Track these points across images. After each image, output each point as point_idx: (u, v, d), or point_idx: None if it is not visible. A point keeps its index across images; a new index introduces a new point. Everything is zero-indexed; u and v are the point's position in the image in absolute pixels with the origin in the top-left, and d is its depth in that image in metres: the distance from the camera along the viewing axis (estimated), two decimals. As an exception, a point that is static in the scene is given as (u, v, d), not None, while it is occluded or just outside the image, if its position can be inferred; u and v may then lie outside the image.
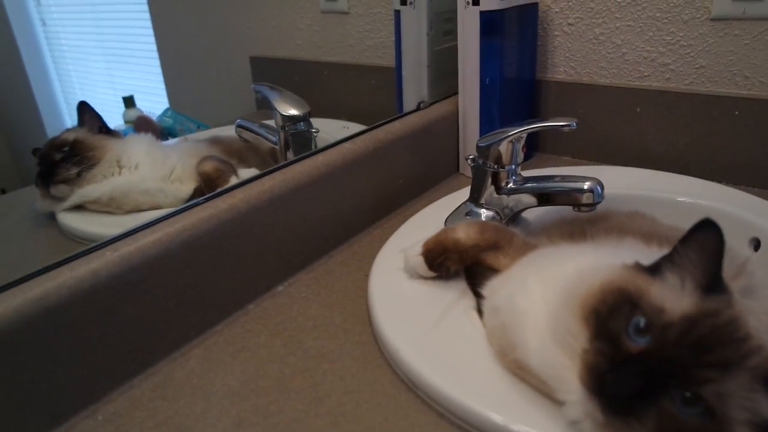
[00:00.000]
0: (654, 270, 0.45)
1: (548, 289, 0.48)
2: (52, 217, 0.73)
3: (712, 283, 0.43)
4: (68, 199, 0.73)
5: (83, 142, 0.76)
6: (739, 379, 0.38)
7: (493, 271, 0.61)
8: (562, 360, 0.44)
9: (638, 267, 0.46)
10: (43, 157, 0.74)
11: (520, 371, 0.50)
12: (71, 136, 0.76)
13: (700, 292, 0.42)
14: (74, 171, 0.74)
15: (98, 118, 0.80)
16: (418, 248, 0.65)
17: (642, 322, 0.41)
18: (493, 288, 0.57)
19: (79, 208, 0.74)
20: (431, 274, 0.65)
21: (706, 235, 0.43)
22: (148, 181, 0.76)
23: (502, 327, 0.51)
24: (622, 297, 0.43)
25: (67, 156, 0.74)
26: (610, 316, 0.42)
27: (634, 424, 0.39)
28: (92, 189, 0.74)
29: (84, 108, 0.80)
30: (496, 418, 0.47)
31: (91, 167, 0.75)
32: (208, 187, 0.77)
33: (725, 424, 0.37)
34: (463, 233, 0.63)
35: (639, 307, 0.42)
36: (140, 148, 0.80)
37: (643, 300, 0.43)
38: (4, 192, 0.80)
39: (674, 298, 0.42)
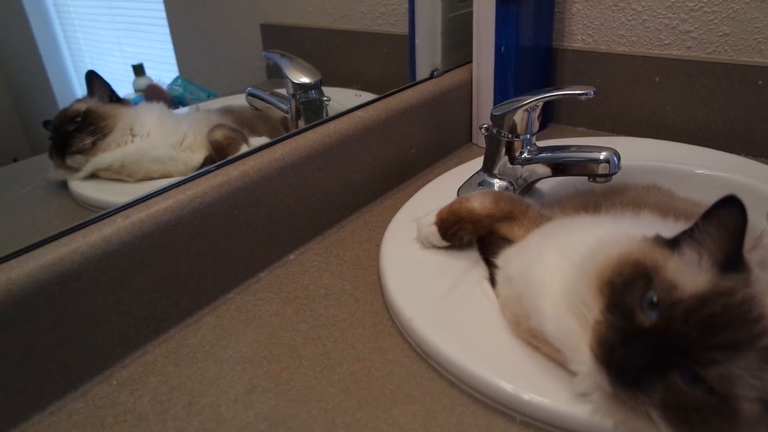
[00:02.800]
0: (673, 244, 0.44)
1: (565, 259, 0.48)
2: (64, 185, 0.74)
3: (732, 261, 0.42)
4: (83, 169, 0.73)
5: (95, 112, 0.76)
6: (748, 360, 0.37)
7: (507, 241, 0.60)
8: (576, 329, 0.43)
9: (658, 240, 0.45)
10: (56, 128, 0.74)
11: (534, 340, 0.49)
12: (83, 107, 0.76)
13: (717, 270, 0.41)
14: (89, 141, 0.74)
15: (107, 86, 0.79)
16: (432, 217, 0.64)
17: (654, 297, 0.41)
18: (507, 258, 0.57)
19: (91, 176, 0.74)
20: (444, 243, 0.64)
21: (729, 212, 0.42)
22: (159, 149, 0.76)
23: (517, 296, 0.51)
24: (638, 270, 0.43)
25: (81, 126, 0.74)
26: (624, 289, 0.42)
27: (640, 397, 0.39)
28: (105, 156, 0.74)
29: (93, 77, 0.80)
30: (507, 386, 0.47)
31: (105, 136, 0.75)
32: (218, 155, 0.76)
33: (731, 402, 0.37)
34: (478, 203, 0.62)
35: (653, 282, 0.41)
36: (152, 116, 0.79)
37: (657, 275, 0.42)
38: (15, 161, 0.80)
39: (689, 274, 0.42)
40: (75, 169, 0.73)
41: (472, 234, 0.63)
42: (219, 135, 0.80)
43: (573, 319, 0.44)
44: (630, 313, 0.41)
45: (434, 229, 0.64)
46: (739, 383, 0.37)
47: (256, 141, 0.79)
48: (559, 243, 0.51)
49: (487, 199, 0.63)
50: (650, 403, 0.38)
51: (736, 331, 0.38)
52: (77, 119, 0.74)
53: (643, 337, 0.40)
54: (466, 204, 0.63)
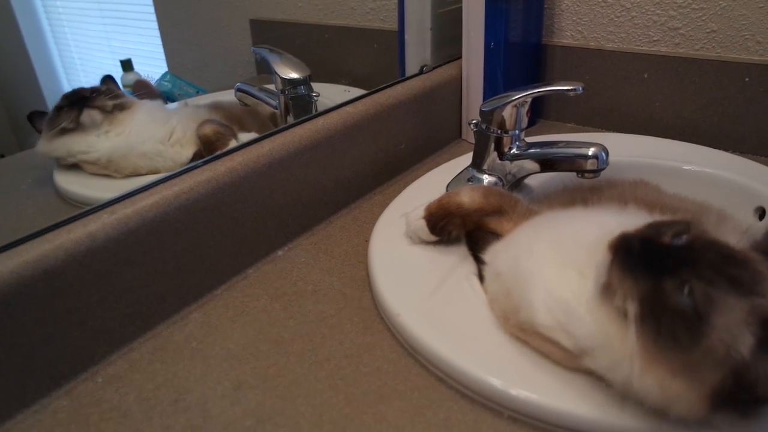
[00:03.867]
0: None
1: (554, 250, 0.48)
2: (50, 182, 0.73)
3: None
4: (77, 148, 0.73)
5: (116, 89, 0.77)
6: (738, 305, 0.39)
7: (495, 236, 0.60)
8: (573, 313, 0.44)
9: None
10: (74, 92, 0.75)
11: (523, 334, 0.50)
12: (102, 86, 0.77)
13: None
14: (110, 103, 0.74)
15: (118, 87, 0.81)
16: (420, 212, 0.64)
17: (684, 237, 0.44)
18: (495, 253, 0.57)
19: (77, 171, 0.73)
20: (433, 238, 0.64)
21: None
22: (147, 144, 0.76)
23: (506, 291, 0.51)
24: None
25: (104, 92, 0.75)
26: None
27: (632, 284, 0.41)
28: (93, 144, 0.74)
29: (108, 78, 0.81)
30: (496, 382, 0.47)
31: (122, 109, 0.75)
32: (207, 150, 0.76)
33: (704, 325, 0.38)
34: (467, 197, 0.62)
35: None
36: (145, 111, 0.79)
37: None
38: (2, 156, 0.79)
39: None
40: (81, 130, 0.73)
41: (461, 228, 0.63)
42: (208, 130, 0.79)
43: (569, 304, 0.45)
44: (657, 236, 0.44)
45: (423, 223, 0.64)
46: (719, 313, 0.38)
47: (245, 137, 0.79)
48: (548, 235, 0.52)
49: (476, 193, 0.63)
50: (633, 294, 0.41)
51: (744, 275, 0.40)
52: (99, 88, 0.76)
53: (662, 246, 0.43)
54: (455, 198, 0.63)
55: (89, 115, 0.73)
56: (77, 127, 0.73)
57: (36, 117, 0.74)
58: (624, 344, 0.40)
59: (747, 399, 0.38)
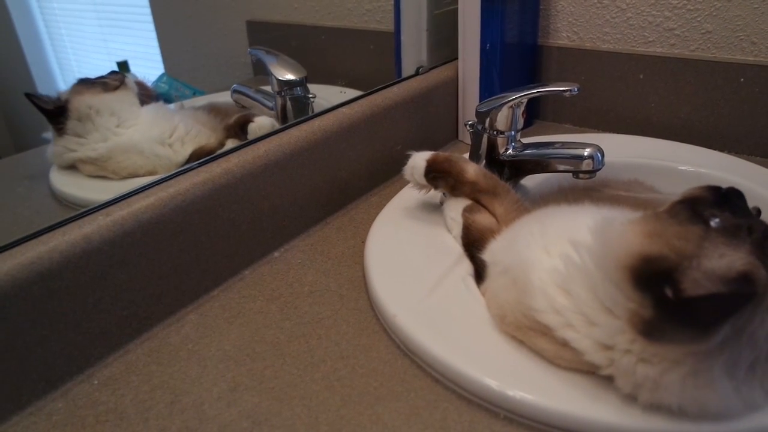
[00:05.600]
0: None
1: (552, 242, 0.50)
2: (46, 184, 0.73)
3: None
4: (86, 144, 0.73)
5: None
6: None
7: (490, 234, 0.61)
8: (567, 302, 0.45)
9: None
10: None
11: (519, 332, 0.50)
12: None
13: None
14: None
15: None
16: (427, 154, 0.67)
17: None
18: (496, 251, 0.57)
19: (73, 172, 0.73)
20: (423, 182, 0.67)
21: None
22: (145, 144, 0.75)
23: (512, 282, 0.51)
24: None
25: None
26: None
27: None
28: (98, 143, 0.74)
29: None
30: (492, 383, 0.47)
31: (144, 102, 0.78)
32: (242, 130, 0.79)
33: (708, 233, 0.41)
34: (471, 168, 0.67)
35: None
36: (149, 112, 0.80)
37: None
38: (-2, 157, 0.79)
39: None
40: (125, 92, 0.76)
41: (449, 189, 0.67)
42: (238, 114, 0.83)
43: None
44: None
45: (424, 164, 0.66)
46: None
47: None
48: (547, 229, 0.53)
49: (479, 170, 0.67)
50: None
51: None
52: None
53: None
54: (462, 162, 0.67)
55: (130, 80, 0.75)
56: (121, 85, 0.76)
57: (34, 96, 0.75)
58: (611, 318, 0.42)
59: (674, 299, 0.39)
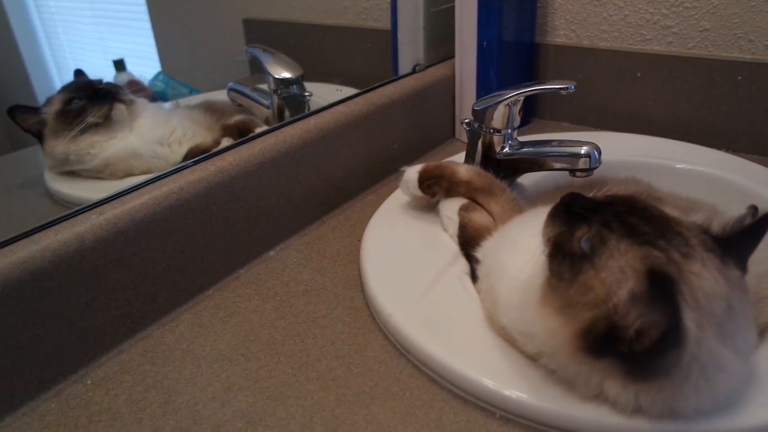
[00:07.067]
0: None
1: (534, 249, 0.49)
2: (40, 182, 0.72)
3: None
4: (100, 144, 0.71)
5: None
6: (632, 251, 0.40)
7: (486, 232, 0.60)
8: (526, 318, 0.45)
9: None
10: (83, 88, 0.72)
11: (503, 333, 0.50)
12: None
13: None
14: (128, 98, 0.73)
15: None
16: (419, 167, 0.69)
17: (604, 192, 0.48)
18: (486, 251, 0.57)
19: (68, 172, 0.73)
20: (419, 193, 0.68)
21: None
22: (142, 146, 0.75)
23: (490, 289, 0.51)
24: None
25: (118, 90, 0.73)
26: None
27: (550, 229, 0.46)
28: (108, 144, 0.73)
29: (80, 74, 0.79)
30: (488, 382, 0.47)
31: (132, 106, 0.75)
32: (240, 135, 0.77)
33: (586, 262, 0.41)
34: (462, 168, 0.68)
35: None
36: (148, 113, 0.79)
37: None
38: (-6, 156, 0.78)
39: None
40: (111, 126, 0.71)
41: (445, 193, 0.68)
42: (240, 117, 0.83)
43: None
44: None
45: (417, 176, 0.67)
46: (609, 255, 0.41)
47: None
48: (532, 234, 0.52)
49: (472, 169, 0.68)
50: (549, 238, 0.45)
51: (648, 227, 0.42)
52: (100, 86, 0.73)
53: (586, 200, 0.46)
54: (452, 165, 0.68)
55: (119, 110, 0.71)
56: (104, 122, 0.71)
57: (19, 112, 0.72)
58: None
59: (623, 350, 0.38)
